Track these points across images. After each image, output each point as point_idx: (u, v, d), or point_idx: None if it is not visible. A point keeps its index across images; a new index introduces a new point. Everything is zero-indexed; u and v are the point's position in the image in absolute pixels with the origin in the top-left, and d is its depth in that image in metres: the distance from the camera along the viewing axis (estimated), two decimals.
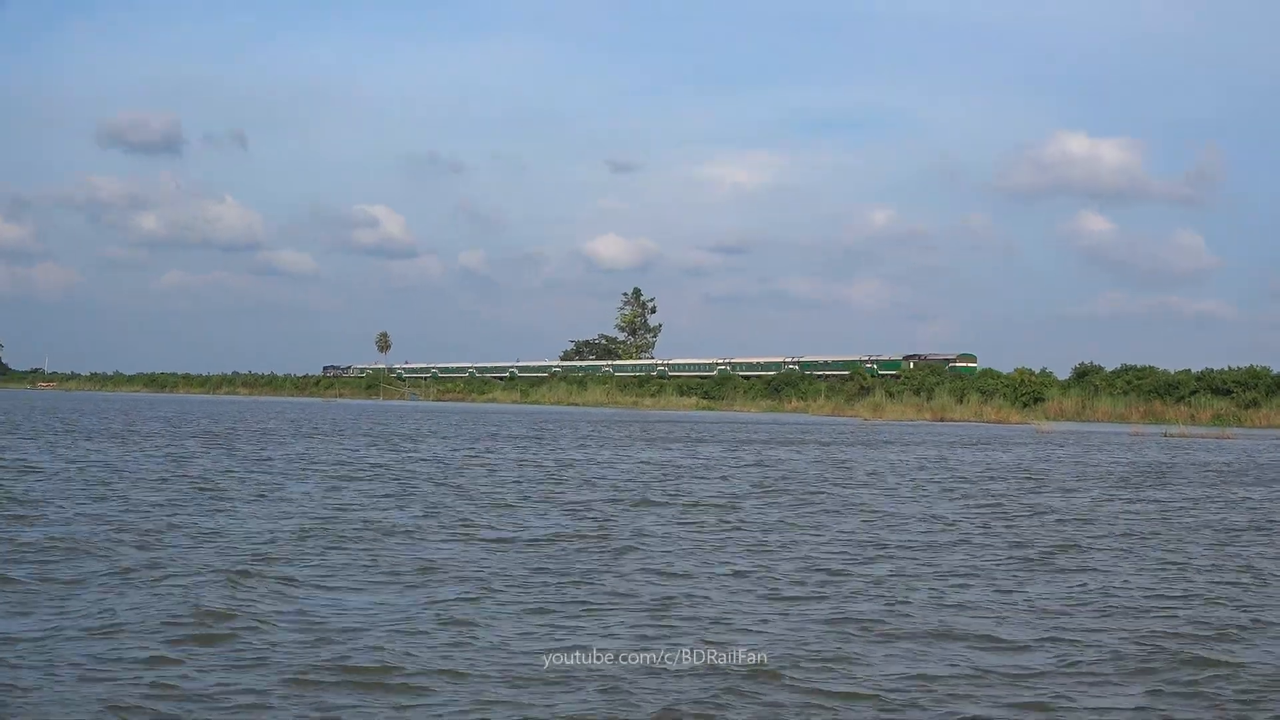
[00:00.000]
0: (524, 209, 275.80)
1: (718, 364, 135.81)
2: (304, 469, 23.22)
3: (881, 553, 13.37)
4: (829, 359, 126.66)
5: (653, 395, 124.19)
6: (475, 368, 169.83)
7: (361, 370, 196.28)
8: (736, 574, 11.65)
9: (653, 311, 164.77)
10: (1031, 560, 12.97)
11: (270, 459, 26.27)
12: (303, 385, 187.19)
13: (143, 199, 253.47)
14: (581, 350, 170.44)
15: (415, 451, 30.99)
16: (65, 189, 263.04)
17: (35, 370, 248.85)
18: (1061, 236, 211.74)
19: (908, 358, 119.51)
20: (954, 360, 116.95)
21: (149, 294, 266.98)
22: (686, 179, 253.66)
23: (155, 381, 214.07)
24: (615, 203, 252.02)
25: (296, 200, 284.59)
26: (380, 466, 25.40)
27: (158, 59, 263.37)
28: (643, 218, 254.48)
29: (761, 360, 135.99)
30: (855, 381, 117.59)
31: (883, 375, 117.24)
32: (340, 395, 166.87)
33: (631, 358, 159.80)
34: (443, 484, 20.96)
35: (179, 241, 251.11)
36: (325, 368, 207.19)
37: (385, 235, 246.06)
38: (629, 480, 21.87)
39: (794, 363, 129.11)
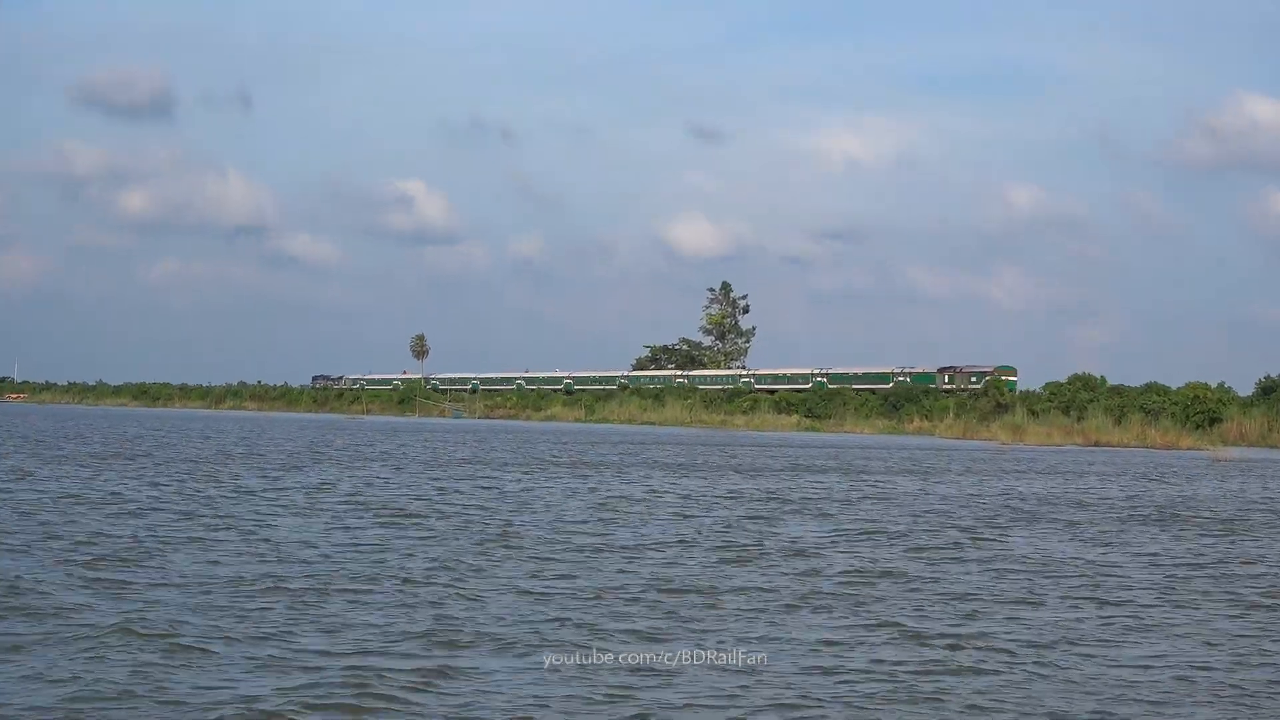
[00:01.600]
0: (589, 185, 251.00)
1: (814, 374, 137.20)
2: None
3: None
4: (860, 371, 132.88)
5: (744, 413, 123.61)
6: (528, 378, 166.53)
7: (355, 381, 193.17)
8: None
9: (745, 311, 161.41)
10: None
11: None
12: (322, 399, 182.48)
13: (127, 172, 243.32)
14: (658, 358, 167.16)
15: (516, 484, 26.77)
16: (33, 160, 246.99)
17: (2, 380, 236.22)
18: (1243, 220, 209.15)
19: (942, 370, 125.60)
20: (991, 373, 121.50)
21: (136, 288, 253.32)
22: (787, 149, 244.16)
23: (146, 393, 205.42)
24: (700, 178, 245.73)
25: (313, 174, 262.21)
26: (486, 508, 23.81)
27: (144, 2, 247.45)
28: (734, 197, 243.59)
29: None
30: (990, 397, 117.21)
31: (917, 390, 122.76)
32: (368, 411, 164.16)
33: (719, 367, 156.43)
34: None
35: (172, 224, 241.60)
36: (314, 378, 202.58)
37: (421, 217, 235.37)
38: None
39: (822, 375, 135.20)
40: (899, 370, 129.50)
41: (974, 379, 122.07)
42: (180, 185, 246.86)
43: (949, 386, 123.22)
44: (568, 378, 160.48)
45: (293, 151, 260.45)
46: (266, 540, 18.08)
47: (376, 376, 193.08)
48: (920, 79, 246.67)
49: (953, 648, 12.53)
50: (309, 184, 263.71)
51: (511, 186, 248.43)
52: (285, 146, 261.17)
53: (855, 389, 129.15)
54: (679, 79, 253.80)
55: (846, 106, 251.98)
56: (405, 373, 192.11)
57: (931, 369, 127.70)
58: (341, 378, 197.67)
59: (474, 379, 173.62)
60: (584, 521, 23.38)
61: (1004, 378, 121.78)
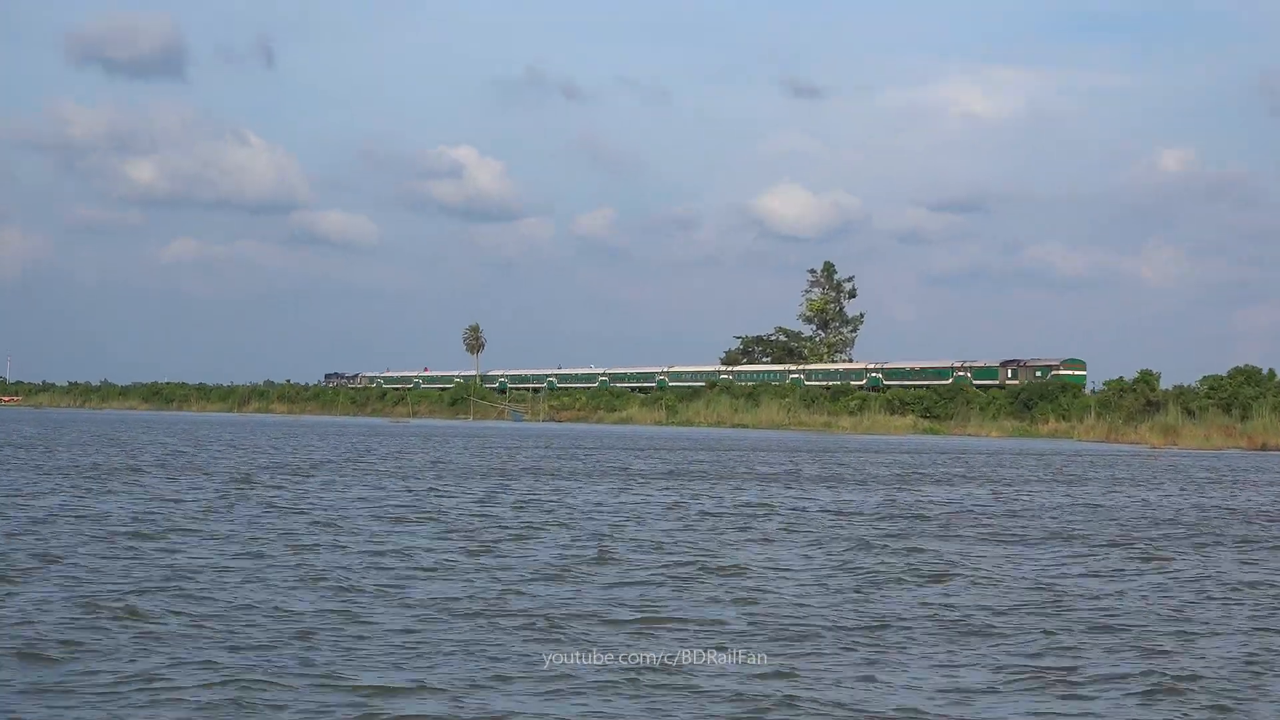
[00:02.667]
0: (667, 151, 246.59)
1: (868, 370, 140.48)
2: None
3: None
4: (917, 366, 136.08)
5: (852, 413, 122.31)
6: (602, 375, 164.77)
7: (372, 379, 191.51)
8: None
9: (852, 296, 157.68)
10: None
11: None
12: (361, 401, 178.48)
13: (134, 139, 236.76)
14: (751, 350, 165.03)
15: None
16: (24, 125, 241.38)
17: None
18: None
19: (1005, 364, 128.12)
20: (1057, 368, 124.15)
21: (146, 273, 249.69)
22: (898, 108, 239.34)
23: (158, 395, 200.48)
24: (796, 141, 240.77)
25: (346, 139, 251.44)
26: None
27: None
28: (836, 163, 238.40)
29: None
30: (1138, 394, 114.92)
31: (978, 386, 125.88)
32: (414, 414, 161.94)
33: (822, 360, 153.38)
34: None
35: (186, 199, 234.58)
36: (327, 375, 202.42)
37: (473, 188, 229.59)
38: None
39: (876, 370, 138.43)
40: (959, 364, 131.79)
41: (1038, 373, 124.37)
42: (194, 154, 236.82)
43: (1012, 382, 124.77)
44: (661, 373, 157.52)
45: (323, 114, 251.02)
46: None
47: (395, 374, 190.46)
48: (1053, 23, 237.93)
49: None
50: (342, 152, 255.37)
51: (577, 153, 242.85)
52: (314, 109, 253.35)
53: (910, 386, 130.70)
54: (770, 28, 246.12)
55: (967, 56, 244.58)
56: (426, 369, 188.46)
57: (994, 363, 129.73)
58: (357, 375, 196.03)
59: (550, 374, 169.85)
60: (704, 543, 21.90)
61: (1071, 372, 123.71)
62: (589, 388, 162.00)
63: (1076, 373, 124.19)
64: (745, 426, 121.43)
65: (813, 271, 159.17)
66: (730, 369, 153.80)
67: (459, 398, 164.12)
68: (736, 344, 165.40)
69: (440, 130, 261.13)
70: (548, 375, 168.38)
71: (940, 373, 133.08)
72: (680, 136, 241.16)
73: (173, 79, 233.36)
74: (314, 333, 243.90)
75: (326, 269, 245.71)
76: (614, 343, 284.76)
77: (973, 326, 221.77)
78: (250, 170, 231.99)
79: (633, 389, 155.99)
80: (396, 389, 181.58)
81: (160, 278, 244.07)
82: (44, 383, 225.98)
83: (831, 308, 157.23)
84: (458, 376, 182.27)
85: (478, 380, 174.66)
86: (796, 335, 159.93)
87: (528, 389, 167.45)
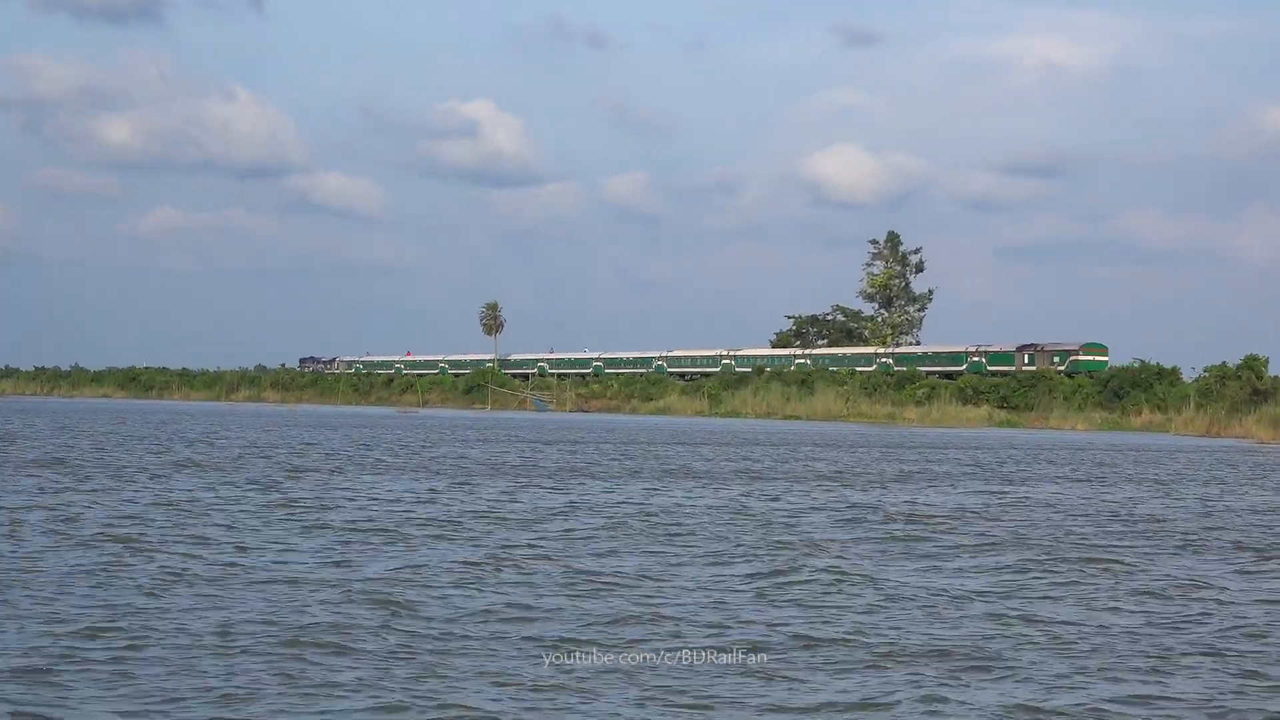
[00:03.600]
0: (706, 107, 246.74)
1: (877, 355, 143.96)
2: None
3: None
4: (930, 351, 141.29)
5: (919, 403, 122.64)
6: (632, 358, 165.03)
7: (350, 364, 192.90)
8: None
9: (919, 270, 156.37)
10: None
11: None
12: (365, 389, 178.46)
13: (108, 95, 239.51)
14: (804, 332, 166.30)
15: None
16: None
17: None
18: None
19: (1022, 348, 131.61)
20: (1076, 352, 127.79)
21: (123, 243, 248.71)
22: (967, 58, 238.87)
23: (136, 381, 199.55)
24: (852, 96, 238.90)
25: (346, 94, 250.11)
26: None
27: None
28: (897, 120, 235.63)
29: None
30: (1244, 381, 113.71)
31: (993, 373, 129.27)
32: (424, 403, 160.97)
33: (885, 343, 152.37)
34: None
35: (166, 162, 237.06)
36: (302, 360, 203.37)
37: (489, 149, 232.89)
38: None
39: (887, 355, 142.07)
40: (974, 349, 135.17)
41: (1056, 358, 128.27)
42: (174, 111, 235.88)
43: (1029, 368, 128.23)
44: (726, 355, 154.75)
45: (319, 66, 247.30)
46: None
47: (376, 358, 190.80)
48: None
49: None
50: (341, 107, 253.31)
51: (604, 110, 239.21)
52: (309, 60, 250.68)
53: (925, 370, 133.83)
54: None
55: (1046, 0, 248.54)
56: (409, 354, 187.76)
57: (1010, 348, 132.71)
58: (334, 360, 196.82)
59: (595, 358, 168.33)
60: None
61: (1091, 357, 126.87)
62: (615, 372, 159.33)
63: (1097, 358, 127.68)
64: (797, 418, 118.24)
65: (874, 242, 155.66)
66: (772, 352, 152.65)
67: (475, 385, 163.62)
68: (789, 325, 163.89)
69: (450, 84, 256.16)
70: (591, 359, 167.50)
71: (954, 357, 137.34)
72: (719, 91, 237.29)
73: (150, 26, 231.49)
74: (309, 313, 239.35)
75: (324, 241, 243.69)
76: (644, 324, 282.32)
77: (1052, 304, 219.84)
78: (238, 130, 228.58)
79: (671, 374, 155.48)
80: (380, 375, 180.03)
81: (137, 251, 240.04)
82: (6, 367, 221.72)
83: (896, 283, 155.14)
84: (401, 361, 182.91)
85: (495, 365, 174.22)
86: (856, 315, 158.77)
87: (550, 373, 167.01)
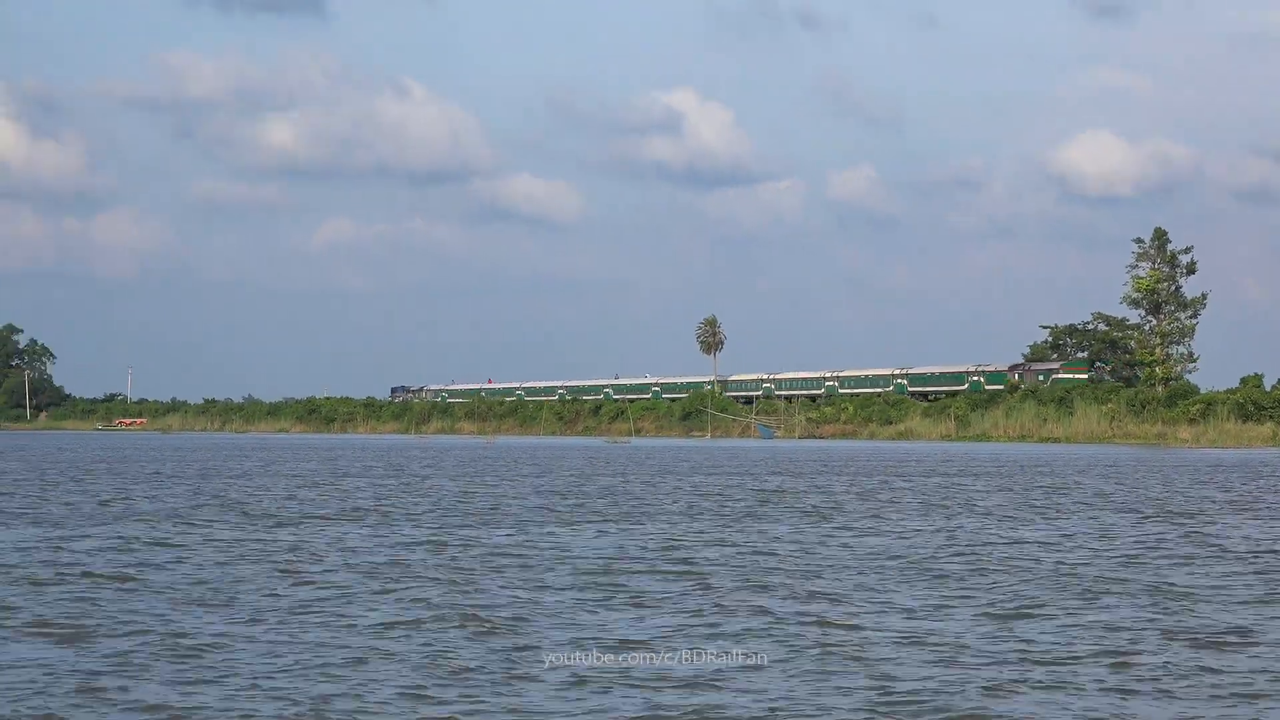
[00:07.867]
0: (936, 93, 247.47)
1: (894, 375, 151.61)
2: None
3: None
4: (936, 371, 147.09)
5: (1193, 421, 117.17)
6: (867, 376, 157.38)
7: (437, 393, 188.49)
8: None
9: (1190, 272, 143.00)
10: None
11: None
12: (569, 418, 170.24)
13: (265, 94, 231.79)
14: (1061, 343, 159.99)
15: None
16: (128, 82, 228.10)
17: (112, 398, 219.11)
18: None
19: (1012, 367, 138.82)
20: (1057, 370, 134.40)
21: (290, 263, 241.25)
22: (1236, 30, 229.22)
23: (316, 412, 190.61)
24: (1104, 75, 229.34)
25: (533, 88, 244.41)
26: None
27: None
28: (1157, 103, 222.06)
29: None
30: None
31: (990, 390, 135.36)
32: (638, 432, 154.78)
33: (1153, 356, 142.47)
34: None
35: (335, 168, 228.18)
36: (393, 390, 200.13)
37: (696, 144, 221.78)
38: None
39: (901, 375, 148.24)
40: (974, 369, 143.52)
41: (1040, 377, 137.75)
42: (342, 111, 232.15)
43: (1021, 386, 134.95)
44: (974, 373, 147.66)
45: (501, 57, 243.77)
46: None
47: (459, 387, 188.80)
48: None
49: None
50: (528, 102, 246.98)
51: (822, 98, 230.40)
52: (490, 49, 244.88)
53: (932, 391, 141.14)
54: None
55: None
56: (490, 381, 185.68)
57: (1003, 367, 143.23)
58: (422, 389, 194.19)
59: (826, 377, 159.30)
60: None
61: (1070, 375, 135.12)
62: (851, 393, 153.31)
63: (1076, 375, 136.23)
64: (1056, 440, 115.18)
65: (1140, 241, 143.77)
66: (1023, 367, 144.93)
67: (693, 410, 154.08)
68: (1045, 336, 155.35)
69: (650, 73, 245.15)
70: (823, 379, 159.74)
71: (956, 377, 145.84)
72: (952, 74, 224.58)
73: (310, 17, 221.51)
74: (497, 331, 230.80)
75: (514, 250, 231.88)
76: (876, 336, 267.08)
77: None
78: (414, 130, 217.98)
79: (914, 394, 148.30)
80: (586, 401, 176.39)
81: (309, 268, 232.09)
82: (174, 400, 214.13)
83: (1165, 287, 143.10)
84: (485, 389, 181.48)
85: (715, 387, 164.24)
86: (1121, 323, 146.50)
87: (772, 396, 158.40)
